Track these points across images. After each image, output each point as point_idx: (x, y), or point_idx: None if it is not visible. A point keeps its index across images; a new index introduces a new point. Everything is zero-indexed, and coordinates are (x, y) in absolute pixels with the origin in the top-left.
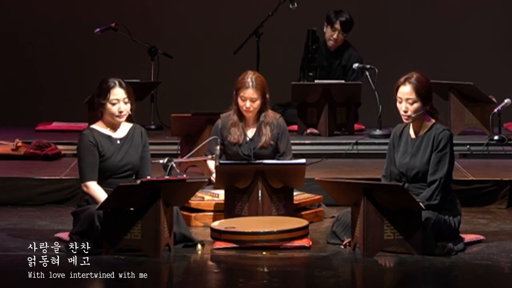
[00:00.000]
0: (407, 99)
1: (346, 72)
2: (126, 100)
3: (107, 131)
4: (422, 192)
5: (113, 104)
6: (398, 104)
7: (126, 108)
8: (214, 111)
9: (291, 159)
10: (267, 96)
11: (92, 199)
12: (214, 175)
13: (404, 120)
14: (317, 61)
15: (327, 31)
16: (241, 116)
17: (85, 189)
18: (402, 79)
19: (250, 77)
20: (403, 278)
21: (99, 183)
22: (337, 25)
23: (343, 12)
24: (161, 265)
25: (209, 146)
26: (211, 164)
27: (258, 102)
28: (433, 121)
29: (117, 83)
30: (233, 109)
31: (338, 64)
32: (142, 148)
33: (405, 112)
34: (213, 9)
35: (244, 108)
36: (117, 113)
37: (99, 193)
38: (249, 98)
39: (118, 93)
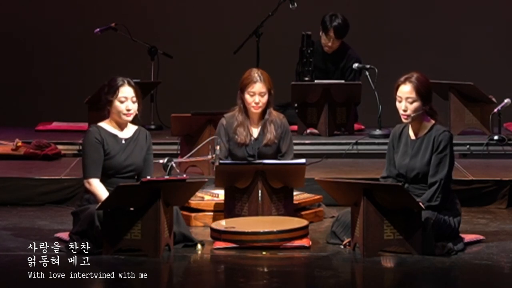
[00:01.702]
0: (407, 98)
1: (343, 74)
2: (134, 99)
3: (113, 129)
4: (422, 193)
5: (121, 102)
6: (397, 103)
7: (133, 107)
8: (214, 111)
9: (292, 159)
10: (272, 92)
11: (93, 197)
12: None
13: (403, 120)
14: (314, 64)
15: (322, 37)
16: (246, 115)
17: (87, 185)
18: (402, 78)
19: (256, 73)
20: (403, 278)
21: (102, 182)
22: (331, 33)
23: (336, 17)
24: (161, 265)
25: (213, 146)
26: None
27: (266, 97)
28: (433, 122)
29: (126, 81)
30: (238, 109)
31: (336, 67)
32: (146, 150)
33: (405, 111)
34: (213, 9)
35: (253, 104)
36: (124, 111)
37: (101, 190)
38: (258, 92)
39: (126, 91)
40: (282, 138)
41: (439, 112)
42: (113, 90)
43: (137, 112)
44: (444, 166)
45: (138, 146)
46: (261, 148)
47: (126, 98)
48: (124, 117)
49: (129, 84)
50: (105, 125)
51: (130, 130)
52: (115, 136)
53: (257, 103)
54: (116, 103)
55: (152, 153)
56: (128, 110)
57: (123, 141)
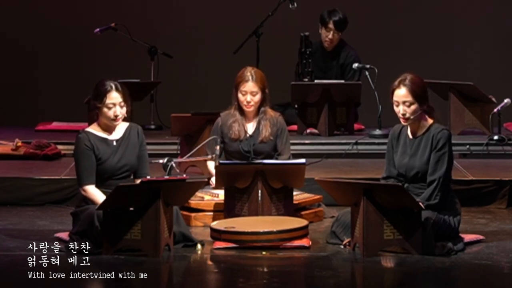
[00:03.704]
0: (404, 102)
1: (343, 72)
2: (122, 104)
3: (102, 133)
4: (422, 192)
5: (109, 108)
6: (395, 107)
7: (122, 111)
8: (214, 111)
9: (288, 158)
10: (267, 91)
11: (91, 202)
12: (213, 178)
13: (403, 123)
14: (314, 63)
15: (322, 32)
16: (241, 112)
17: (83, 193)
18: (396, 82)
19: (249, 71)
20: (403, 278)
21: (98, 185)
22: (331, 25)
23: (336, 12)
24: (161, 265)
25: (209, 146)
26: (211, 166)
27: (258, 96)
28: (431, 121)
29: (113, 86)
30: (233, 106)
31: (336, 64)
32: (139, 147)
33: (403, 115)
34: (213, 9)
35: (245, 102)
36: (112, 117)
37: (98, 196)
38: (249, 91)
39: (114, 97)
40: (278, 136)
41: (436, 110)
42: (101, 96)
43: (125, 115)
44: (443, 164)
45: (131, 144)
46: (257, 145)
47: (114, 104)
48: (113, 122)
49: (117, 89)
50: (94, 130)
51: (120, 129)
52: (105, 139)
53: (248, 102)
54: (104, 109)
55: (146, 149)
56: (116, 115)
57: (114, 143)
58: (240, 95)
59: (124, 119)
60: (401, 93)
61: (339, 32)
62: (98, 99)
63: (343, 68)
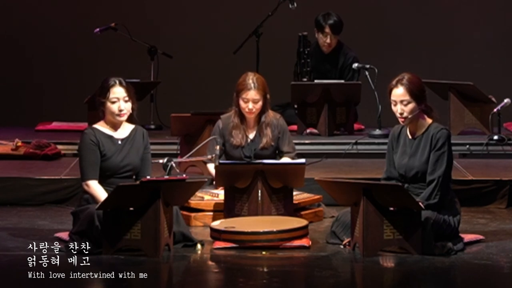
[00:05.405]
0: (401, 101)
1: (342, 74)
2: (126, 98)
3: (108, 131)
4: (422, 192)
5: (113, 103)
6: (393, 107)
7: (126, 106)
8: (214, 111)
9: (296, 155)
10: (268, 96)
11: (92, 198)
12: None
13: (401, 122)
14: (312, 65)
15: (319, 37)
16: (242, 118)
17: (85, 187)
18: (394, 82)
19: (251, 79)
20: (403, 278)
21: (100, 182)
22: (327, 29)
23: (330, 15)
24: (161, 265)
25: (209, 148)
26: (212, 168)
27: (260, 103)
28: (430, 121)
29: (117, 81)
30: (233, 111)
31: (335, 67)
32: (143, 149)
33: (401, 114)
34: (213, 9)
35: (247, 110)
36: (117, 112)
37: (100, 192)
38: (251, 99)
39: (118, 92)
40: (281, 138)
41: (434, 109)
42: (105, 91)
43: (131, 111)
44: (442, 164)
45: (135, 145)
46: (258, 151)
47: (118, 99)
48: (118, 118)
49: (121, 84)
50: (100, 126)
51: (126, 130)
52: (110, 137)
53: (250, 109)
54: (108, 104)
55: (150, 151)
56: (121, 110)
57: (119, 142)
58: (241, 102)
59: (131, 120)
60: (398, 92)
61: (336, 36)
62: (102, 94)
63: (342, 70)
